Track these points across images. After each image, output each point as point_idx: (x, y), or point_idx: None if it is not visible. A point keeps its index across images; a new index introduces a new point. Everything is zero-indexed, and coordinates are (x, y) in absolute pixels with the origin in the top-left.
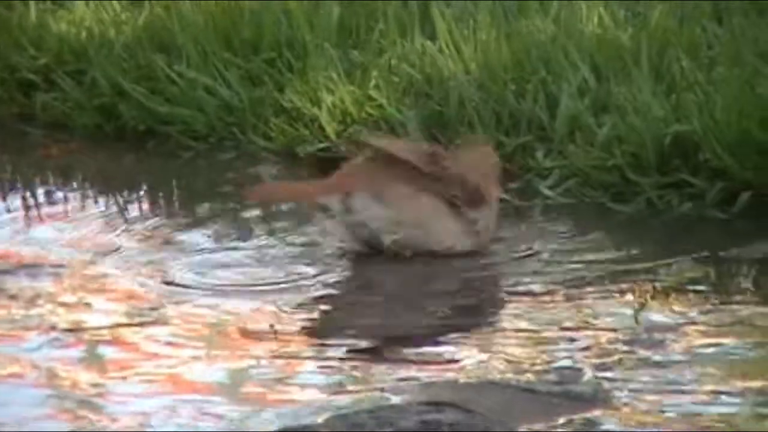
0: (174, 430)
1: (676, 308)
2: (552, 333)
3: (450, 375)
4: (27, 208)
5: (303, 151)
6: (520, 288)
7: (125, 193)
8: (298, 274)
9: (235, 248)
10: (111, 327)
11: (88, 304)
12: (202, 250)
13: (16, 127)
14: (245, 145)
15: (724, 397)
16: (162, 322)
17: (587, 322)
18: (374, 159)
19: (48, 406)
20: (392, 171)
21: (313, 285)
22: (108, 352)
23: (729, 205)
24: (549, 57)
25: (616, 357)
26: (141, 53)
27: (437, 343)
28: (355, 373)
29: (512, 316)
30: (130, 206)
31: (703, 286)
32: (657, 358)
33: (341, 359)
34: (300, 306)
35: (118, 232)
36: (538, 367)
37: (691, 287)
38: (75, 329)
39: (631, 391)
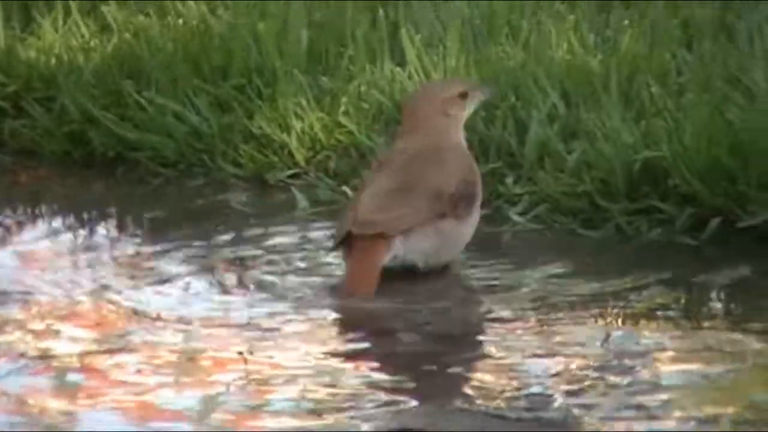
0: None
1: (646, 334)
2: (522, 359)
3: (420, 402)
4: None
5: (272, 178)
6: (490, 314)
7: (94, 220)
8: (267, 301)
9: (204, 275)
10: (80, 354)
11: (56, 332)
12: (171, 277)
13: None
14: (214, 171)
15: (693, 423)
16: (130, 349)
17: (557, 348)
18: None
19: None
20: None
21: (282, 312)
22: (77, 379)
23: (698, 231)
24: (518, 83)
25: (586, 383)
26: (110, 79)
27: (408, 370)
28: (325, 399)
29: (482, 343)
30: (99, 233)
31: (672, 311)
32: (627, 383)
33: (311, 386)
34: (269, 333)
35: (86, 258)
36: (508, 394)
37: (660, 313)
38: (44, 356)
39: (601, 417)
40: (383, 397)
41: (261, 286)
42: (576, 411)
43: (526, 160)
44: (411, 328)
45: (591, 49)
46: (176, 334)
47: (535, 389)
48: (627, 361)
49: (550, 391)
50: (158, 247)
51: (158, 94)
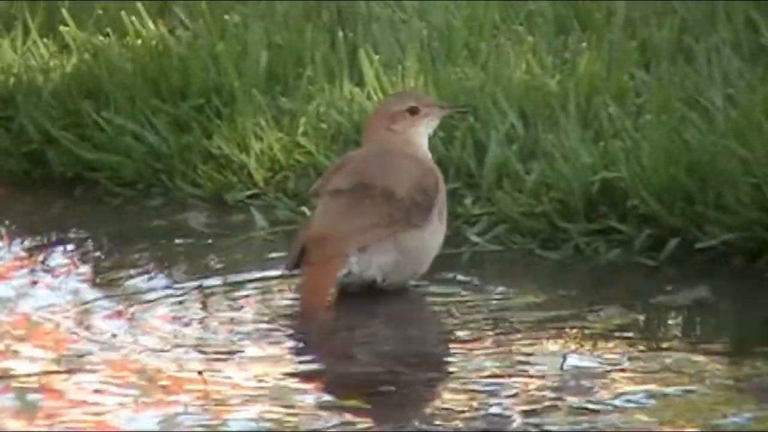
0: None
1: (604, 354)
2: (480, 380)
3: (378, 423)
4: None
5: (231, 198)
6: (449, 335)
7: (53, 240)
8: (226, 321)
9: (163, 295)
10: (39, 374)
11: (15, 352)
12: (130, 297)
13: None
14: (173, 191)
15: None
16: (89, 369)
17: (515, 369)
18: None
19: None
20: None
21: (240, 332)
22: (36, 399)
23: (657, 252)
24: (477, 104)
25: (544, 403)
26: (69, 100)
27: (365, 391)
28: (283, 420)
29: (440, 363)
30: (57, 252)
31: (631, 332)
32: (585, 404)
33: (269, 406)
34: (229, 352)
35: (45, 278)
36: (466, 414)
37: (618, 333)
38: (2, 376)
39: None
40: (341, 418)
41: (219, 306)
42: (534, 431)
43: (485, 181)
44: (369, 348)
45: (549, 70)
46: (135, 353)
47: (493, 410)
48: (585, 382)
49: (508, 412)
50: (117, 267)
51: (117, 115)
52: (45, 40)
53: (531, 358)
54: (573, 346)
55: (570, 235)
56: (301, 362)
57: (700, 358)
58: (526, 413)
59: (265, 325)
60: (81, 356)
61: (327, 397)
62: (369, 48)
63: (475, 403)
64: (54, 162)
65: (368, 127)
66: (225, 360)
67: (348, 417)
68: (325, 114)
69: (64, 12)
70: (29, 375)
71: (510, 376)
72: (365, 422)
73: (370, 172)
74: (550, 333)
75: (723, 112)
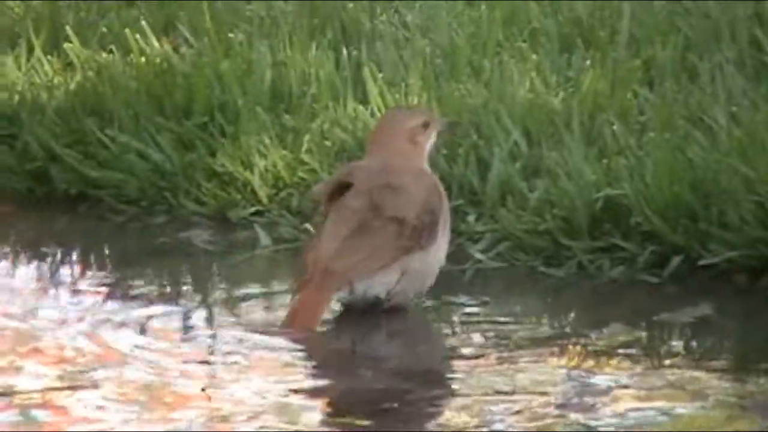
0: None
1: (608, 372)
2: (483, 397)
3: None
4: None
5: (235, 216)
6: (452, 352)
7: (57, 257)
8: (230, 339)
9: (166, 313)
10: (42, 390)
11: (19, 368)
12: (133, 313)
13: None
14: (177, 209)
15: None
16: (93, 385)
17: (519, 386)
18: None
19: None
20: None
21: (245, 349)
22: (39, 415)
23: (660, 269)
24: (480, 121)
25: (547, 421)
26: (73, 117)
27: (369, 408)
28: None
29: (444, 380)
30: (61, 270)
31: (634, 349)
32: (588, 421)
33: (273, 423)
34: (232, 370)
35: (49, 295)
36: (470, 431)
37: (622, 351)
38: (6, 393)
39: None
40: None
41: (224, 323)
42: None
43: (488, 198)
44: (372, 365)
45: (553, 88)
46: (139, 370)
47: (496, 426)
48: (588, 399)
49: (511, 429)
50: (121, 284)
51: (121, 132)
52: (49, 57)
53: (534, 376)
54: (576, 364)
55: (573, 253)
56: (304, 378)
57: (703, 376)
58: (529, 430)
59: (268, 342)
60: (84, 372)
61: (331, 414)
62: (373, 66)
63: (478, 420)
64: (58, 179)
65: (381, 139)
66: (229, 376)
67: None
68: (329, 131)
69: (69, 29)
70: (33, 391)
71: (513, 393)
72: None
73: (380, 193)
74: (553, 350)
75: (726, 130)
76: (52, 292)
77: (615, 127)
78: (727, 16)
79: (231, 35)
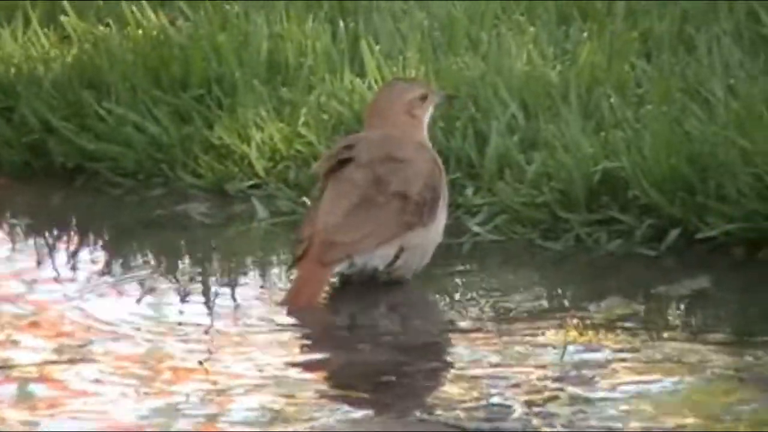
0: None
1: (605, 345)
2: (481, 370)
3: (379, 412)
4: None
5: (232, 188)
6: (450, 325)
7: (54, 230)
8: (227, 312)
9: (164, 286)
10: (39, 364)
11: (16, 342)
12: (131, 287)
13: None
14: (174, 181)
15: None
16: (90, 359)
17: (516, 359)
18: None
19: None
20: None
21: (242, 323)
22: (37, 389)
23: (657, 242)
24: (478, 94)
25: (545, 394)
26: (70, 90)
27: (367, 381)
28: (284, 410)
29: (441, 353)
30: (58, 243)
31: (631, 322)
32: (586, 394)
33: (271, 396)
34: (229, 343)
35: (46, 268)
36: (467, 404)
37: (619, 324)
38: (3, 366)
39: (560, 427)
40: (342, 407)
41: (221, 297)
42: (535, 422)
43: (486, 171)
44: (370, 338)
45: (550, 60)
46: (136, 344)
47: (494, 400)
48: (586, 372)
49: (509, 402)
50: (118, 257)
51: (118, 105)
52: (46, 30)
53: (532, 349)
54: (574, 337)
55: (571, 226)
56: (302, 352)
57: (701, 348)
58: (527, 403)
59: (266, 315)
60: (82, 346)
61: (329, 387)
62: (370, 38)
63: (476, 393)
64: (55, 152)
65: (380, 112)
66: (227, 350)
67: (349, 407)
68: (326, 104)
69: (65, 2)
70: (30, 365)
71: (511, 366)
72: (367, 412)
73: (383, 166)
74: (550, 323)
75: (724, 103)
76: (49, 265)
77: (612, 100)
78: None
79: (227, 7)
